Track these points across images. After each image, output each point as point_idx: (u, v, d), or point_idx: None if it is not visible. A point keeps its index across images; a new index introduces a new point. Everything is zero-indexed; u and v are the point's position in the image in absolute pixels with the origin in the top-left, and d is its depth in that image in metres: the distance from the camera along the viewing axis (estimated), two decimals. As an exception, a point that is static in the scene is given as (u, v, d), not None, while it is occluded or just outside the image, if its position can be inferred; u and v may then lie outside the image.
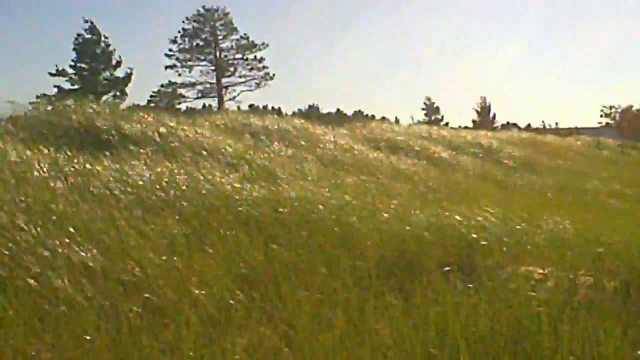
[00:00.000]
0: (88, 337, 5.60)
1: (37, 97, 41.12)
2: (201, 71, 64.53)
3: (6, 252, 7.01)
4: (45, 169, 10.24)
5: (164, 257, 7.39)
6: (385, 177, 16.31)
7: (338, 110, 74.45)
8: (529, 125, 77.53)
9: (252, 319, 6.36)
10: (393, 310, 6.40)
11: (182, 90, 64.22)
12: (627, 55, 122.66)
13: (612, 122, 67.25)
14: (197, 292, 6.64)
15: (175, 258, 7.44)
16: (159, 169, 11.44)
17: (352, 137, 22.95)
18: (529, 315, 6.01)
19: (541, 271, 7.93)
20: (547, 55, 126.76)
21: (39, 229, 7.60)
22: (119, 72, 49.61)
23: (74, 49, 48.93)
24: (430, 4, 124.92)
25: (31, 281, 6.52)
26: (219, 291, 6.76)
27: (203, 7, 64.02)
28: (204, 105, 62.25)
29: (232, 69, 64.93)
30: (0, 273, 6.70)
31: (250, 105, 60.44)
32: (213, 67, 64.36)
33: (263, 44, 64.94)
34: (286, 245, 8.27)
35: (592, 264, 8.06)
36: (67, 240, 7.47)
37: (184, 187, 10.42)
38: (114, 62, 49.40)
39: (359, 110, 73.80)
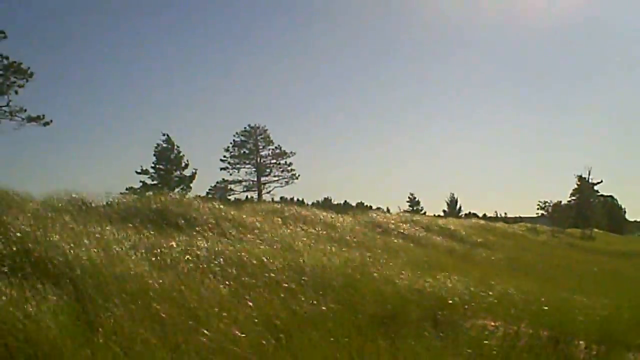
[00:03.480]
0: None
1: (127, 189, 41.55)
2: (246, 172, 65.21)
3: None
4: (130, 242, 10.31)
5: (216, 309, 7.36)
6: (379, 252, 16.27)
7: (345, 201, 74.88)
8: (485, 214, 77.55)
9: (278, 355, 6.31)
10: (383, 351, 6.35)
11: (231, 186, 64.76)
12: (556, 162, 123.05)
13: (546, 213, 67.25)
14: (238, 334, 6.61)
15: (223, 310, 7.40)
16: (214, 243, 11.45)
17: (355, 222, 22.96)
18: (484, 357, 5.96)
19: (493, 324, 7.87)
20: (500, 162, 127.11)
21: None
22: (187, 172, 50.15)
23: (154, 154, 49.72)
24: (416, 125, 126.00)
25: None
26: (255, 335, 6.72)
27: (249, 125, 65.17)
28: (247, 197, 62.63)
29: (268, 170, 65.52)
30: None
31: (281, 198, 60.91)
32: (255, 169, 64.98)
33: (292, 152, 65.65)
34: (305, 301, 8.23)
35: (531, 319, 8.00)
36: (146, 296, 7.49)
37: (231, 257, 10.42)
38: (183, 164, 49.98)
39: (361, 202, 74.14)
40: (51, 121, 34.92)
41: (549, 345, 6.98)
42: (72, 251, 8.48)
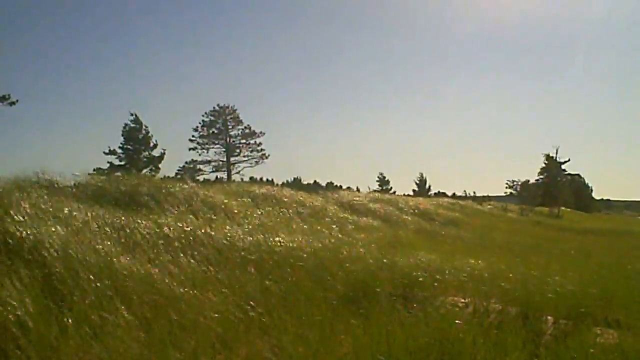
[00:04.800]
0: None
1: (94, 169, 41.16)
2: (215, 152, 64.92)
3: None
4: (98, 223, 10.18)
5: (186, 289, 7.33)
6: (349, 230, 16.34)
7: (315, 181, 74.83)
8: (454, 193, 78.18)
9: (251, 334, 6.32)
10: (354, 328, 6.39)
11: (200, 166, 64.46)
12: (525, 141, 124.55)
13: (515, 192, 68.07)
14: (211, 314, 6.60)
15: (194, 290, 7.38)
16: (183, 223, 11.38)
17: (325, 201, 22.97)
18: (455, 332, 6.02)
19: (463, 300, 7.96)
20: (468, 141, 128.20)
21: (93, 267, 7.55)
22: (155, 152, 49.56)
23: (122, 134, 49.00)
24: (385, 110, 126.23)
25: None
26: (227, 314, 6.72)
27: (218, 105, 64.76)
28: (216, 177, 62.36)
29: (238, 150, 65.29)
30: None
31: (251, 178, 60.80)
32: (224, 149, 64.69)
33: (261, 132, 65.49)
34: (277, 280, 8.25)
35: (499, 295, 8.10)
36: (114, 276, 7.42)
37: (202, 237, 10.36)
38: (151, 144, 49.37)
39: (331, 182, 74.23)
40: (17, 101, 34.42)
41: (518, 320, 7.08)
42: (40, 231, 8.35)
